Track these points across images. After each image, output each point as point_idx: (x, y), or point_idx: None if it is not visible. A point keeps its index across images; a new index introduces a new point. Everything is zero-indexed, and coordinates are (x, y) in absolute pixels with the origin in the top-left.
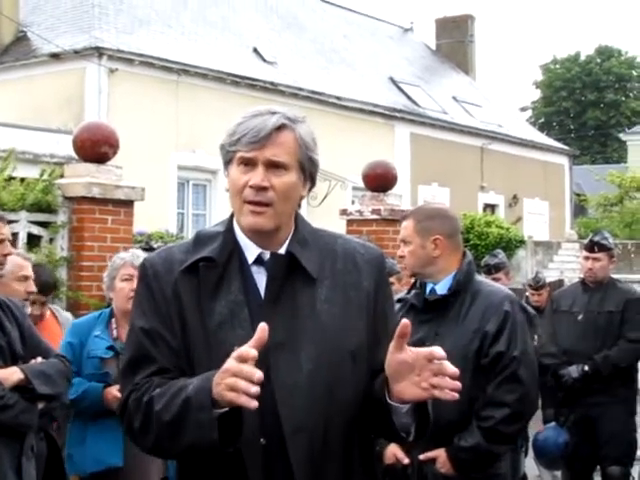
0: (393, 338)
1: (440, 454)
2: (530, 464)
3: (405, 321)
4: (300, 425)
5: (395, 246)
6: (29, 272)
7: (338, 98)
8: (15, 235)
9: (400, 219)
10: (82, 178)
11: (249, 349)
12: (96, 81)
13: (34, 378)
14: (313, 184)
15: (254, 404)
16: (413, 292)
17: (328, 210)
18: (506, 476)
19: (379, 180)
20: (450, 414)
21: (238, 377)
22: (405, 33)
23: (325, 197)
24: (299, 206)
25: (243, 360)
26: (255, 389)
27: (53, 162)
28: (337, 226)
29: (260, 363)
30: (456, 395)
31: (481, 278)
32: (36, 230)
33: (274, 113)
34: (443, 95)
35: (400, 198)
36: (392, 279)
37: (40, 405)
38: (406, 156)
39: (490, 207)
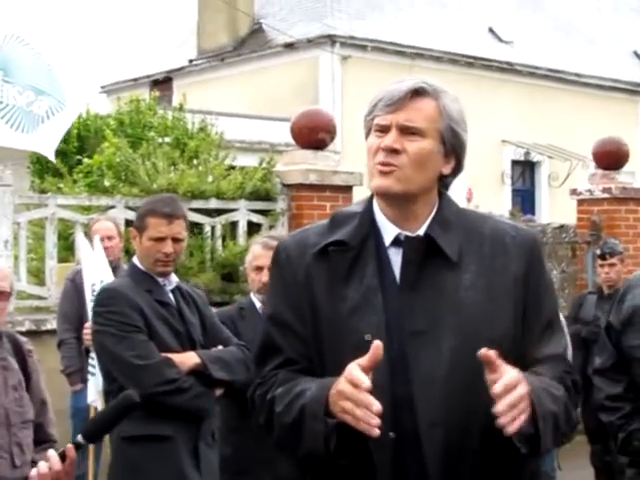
0: (545, 329)
1: None
2: None
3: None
4: (437, 420)
5: (628, 226)
6: (262, 262)
7: (578, 75)
8: (235, 224)
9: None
10: (299, 165)
11: (363, 378)
12: (329, 69)
13: (211, 363)
14: (459, 164)
15: (376, 433)
16: None
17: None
18: None
19: (610, 157)
20: None
21: (354, 404)
22: None
23: (566, 178)
24: (445, 186)
25: (355, 385)
26: (376, 422)
27: (274, 150)
28: (574, 207)
29: (397, 352)
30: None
31: None
32: (255, 218)
33: (415, 80)
34: None
35: (633, 175)
36: (614, 260)
37: (218, 391)
38: None
39: None
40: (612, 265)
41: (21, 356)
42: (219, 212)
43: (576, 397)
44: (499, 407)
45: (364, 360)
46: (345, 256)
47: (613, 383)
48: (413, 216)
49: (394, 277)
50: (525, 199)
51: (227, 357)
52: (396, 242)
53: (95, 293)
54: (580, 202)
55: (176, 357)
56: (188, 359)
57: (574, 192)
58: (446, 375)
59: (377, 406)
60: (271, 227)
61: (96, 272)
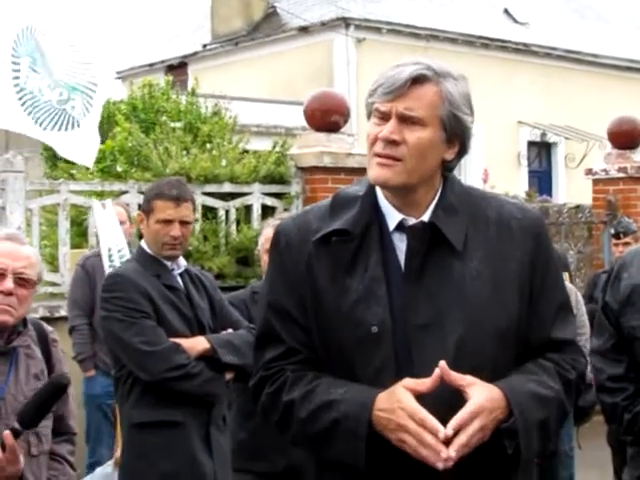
0: (554, 313)
1: None
2: None
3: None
4: (443, 412)
5: None
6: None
7: (594, 56)
8: (249, 207)
9: None
10: (313, 148)
11: (438, 426)
12: (344, 52)
13: (220, 347)
14: (463, 149)
15: (444, 466)
16: None
17: None
18: None
19: (625, 137)
20: None
21: (420, 443)
22: None
23: (583, 158)
24: (449, 170)
25: (421, 425)
26: (442, 466)
27: (289, 134)
28: (589, 187)
29: (402, 344)
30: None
31: None
32: (270, 201)
33: (417, 64)
34: None
35: None
36: (629, 239)
37: (228, 376)
38: None
39: None
40: (626, 244)
41: (45, 345)
42: (233, 196)
43: (578, 386)
44: (450, 453)
45: (420, 386)
46: (348, 245)
47: (614, 364)
48: (415, 203)
49: (399, 265)
50: (542, 180)
51: (237, 341)
52: (399, 227)
53: (112, 258)
54: (595, 182)
55: (185, 342)
56: (197, 344)
57: (589, 172)
58: (451, 367)
59: (446, 453)
60: (285, 210)
61: (111, 237)
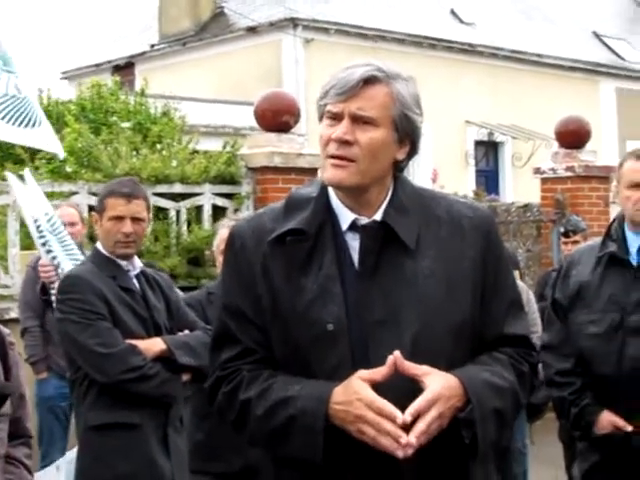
0: (506, 309)
1: None
2: None
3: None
4: (401, 408)
5: (591, 204)
6: None
7: (539, 56)
8: (200, 208)
9: (628, 160)
10: (264, 148)
11: (396, 411)
12: (292, 52)
13: (176, 349)
14: (414, 149)
15: (401, 455)
16: (614, 245)
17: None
18: None
19: (572, 136)
20: None
21: (378, 432)
22: None
23: (530, 157)
24: (399, 170)
25: (380, 413)
26: (402, 454)
27: (237, 134)
28: (538, 186)
29: (358, 341)
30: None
31: None
32: (220, 202)
33: (368, 65)
34: None
35: (595, 154)
36: (578, 237)
37: (185, 377)
38: (612, 112)
39: None
40: (575, 242)
41: (2, 348)
42: (184, 196)
43: (531, 380)
44: (410, 439)
45: (375, 375)
46: (302, 245)
47: (562, 359)
48: (367, 203)
49: (353, 263)
50: (489, 179)
51: (193, 342)
52: (352, 227)
53: (40, 228)
54: (544, 181)
55: (141, 344)
56: (153, 345)
57: (537, 171)
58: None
59: (405, 439)
60: (236, 211)
61: (35, 206)
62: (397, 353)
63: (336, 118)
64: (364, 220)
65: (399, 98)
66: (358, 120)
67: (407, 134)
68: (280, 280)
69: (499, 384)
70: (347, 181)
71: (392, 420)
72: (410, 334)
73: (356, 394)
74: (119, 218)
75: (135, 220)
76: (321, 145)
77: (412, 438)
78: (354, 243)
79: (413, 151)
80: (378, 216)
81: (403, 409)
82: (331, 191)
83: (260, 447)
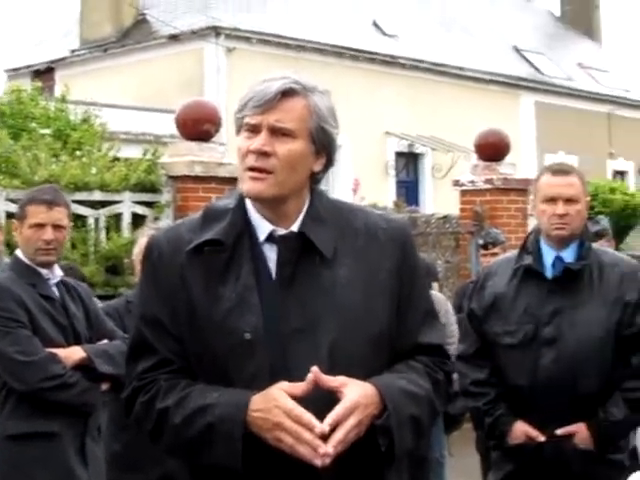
0: (420, 319)
1: (580, 429)
2: None
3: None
4: (319, 415)
5: (510, 216)
6: None
7: (460, 69)
8: (119, 216)
9: (552, 173)
10: (184, 157)
11: (314, 421)
12: (214, 61)
13: (96, 357)
14: (330, 161)
15: (322, 463)
16: (529, 258)
17: None
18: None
19: (492, 149)
20: (589, 387)
21: (295, 439)
22: (529, 0)
23: (449, 169)
24: (316, 182)
25: (298, 421)
26: (319, 463)
27: (158, 142)
28: (456, 197)
29: (276, 351)
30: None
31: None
32: (140, 210)
33: (285, 78)
34: (568, 62)
35: (514, 167)
36: (497, 249)
37: (104, 386)
38: (531, 125)
39: (619, 174)
40: (494, 255)
41: None
42: (103, 204)
43: (446, 388)
44: (328, 449)
45: (296, 389)
46: (220, 255)
47: (477, 369)
48: (285, 215)
49: (270, 274)
50: (409, 190)
51: (112, 351)
52: (270, 238)
53: None
54: (463, 193)
55: (61, 352)
56: (73, 354)
57: (457, 183)
58: (326, 372)
59: (324, 449)
60: (156, 219)
61: None
62: (315, 369)
63: (254, 130)
64: (281, 231)
65: (316, 111)
66: (276, 132)
67: (324, 146)
68: (198, 290)
69: (415, 392)
70: (265, 193)
71: (310, 429)
72: (327, 343)
73: (275, 401)
74: (40, 225)
75: (56, 227)
76: (239, 157)
77: (329, 448)
78: (271, 254)
79: (329, 163)
80: (295, 227)
81: (323, 419)
82: (249, 203)
83: (178, 457)
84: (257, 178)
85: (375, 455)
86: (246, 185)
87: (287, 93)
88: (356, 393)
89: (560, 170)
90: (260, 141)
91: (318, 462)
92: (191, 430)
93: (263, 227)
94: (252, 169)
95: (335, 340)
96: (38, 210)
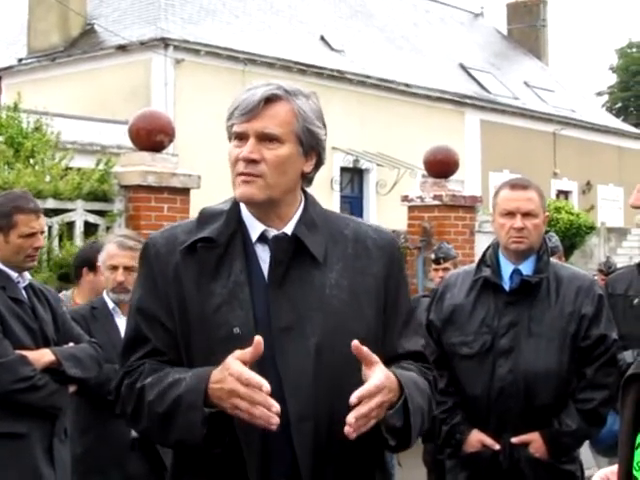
0: (404, 326)
1: (534, 438)
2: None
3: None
4: (306, 413)
5: (457, 232)
6: (117, 261)
7: (407, 85)
8: (72, 224)
9: (514, 187)
10: (137, 167)
11: (261, 380)
12: (162, 72)
13: (65, 360)
14: (320, 160)
15: (274, 427)
16: (488, 270)
17: (398, 198)
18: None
19: (440, 166)
20: (545, 397)
21: (250, 403)
22: (476, 18)
23: (394, 185)
24: (307, 183)
25: (247, 384)
26: (276, 420)
27: (105, 152)
28: (402, 213)
29: (265, 347)
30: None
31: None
32: (92, 219)
33: (268, 85)
34: (514, 81)
35: (462, 184)
36: (448, 264)
37: (71, 388)
38: (476, 143)
39: (563, 193)
40: (446, 269)
41: None
42: (56, 212)
43: (436, 392)
44: (349, 418)
45: (245, 355)
46: (213, 252)
47: None
48: (278, 217)
49: (262, 273)
50: (353, 205)
51: (80, 354)
52: (262, 239)
53: None
54: (411, 209)
55: (30, 354)
56: (42, 356)
57: (405, 199)
58: (313, 370)
59: (276, 407)
60: (108, 228)
61: None
62: (356, 342)
63: (242, 138)
64: (273, 232)
65: (301, 113)
66: (263, 138)
67: (312, 147)
68: (191, 286)
69: (422, 387)
70: (258, 196)
71: (259, 389)
72: (314, 341)
73: (228, 369)
74: (32, 234)
75: (42, 233)
76: (230, 164)
77: (351, 417)
78: (264, 254)
79: (319, 162)
80: (289, 229)
81: (322, 418)
82: (242, 205)
83: (154, 439)
84: (248, 182)
85: (377, 448)
86: (238, 190)
87: (271, 99)
88: (384, 375)
89: (519, 184)
90: (248, 149)
91: (274, 420)
92: (162, 404)
93: (255, 227)
94: (242, 174)
95: (322, 339)
96: (29, 219)
